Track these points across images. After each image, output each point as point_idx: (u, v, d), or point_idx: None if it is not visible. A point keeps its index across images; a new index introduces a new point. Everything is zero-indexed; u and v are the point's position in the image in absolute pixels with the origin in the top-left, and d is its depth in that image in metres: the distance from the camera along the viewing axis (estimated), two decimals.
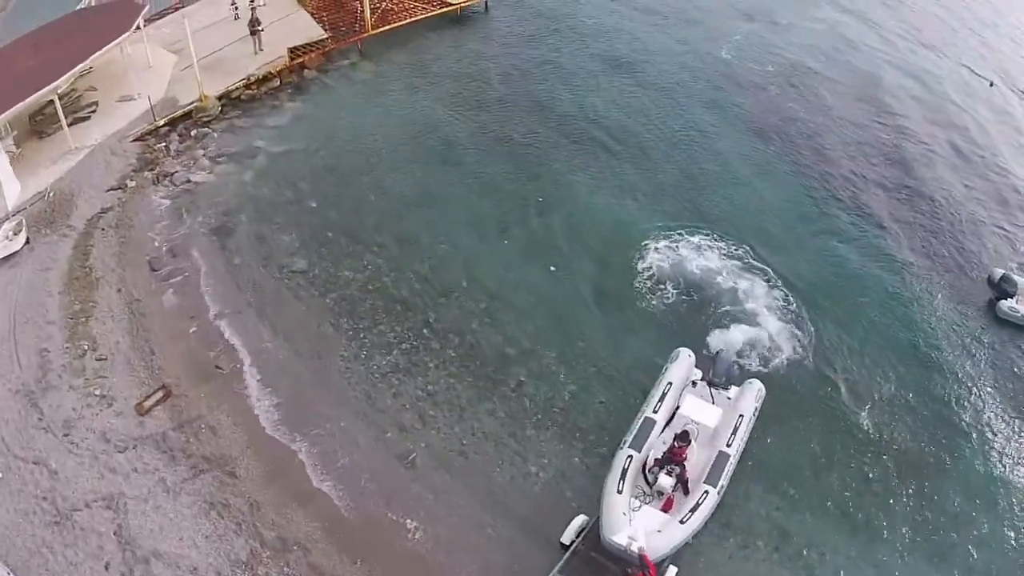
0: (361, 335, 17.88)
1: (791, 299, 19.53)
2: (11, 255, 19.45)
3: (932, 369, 18.39)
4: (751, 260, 20.59)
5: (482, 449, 15.78)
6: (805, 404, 17.28)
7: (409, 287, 19.13)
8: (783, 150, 25.33)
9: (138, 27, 24.77)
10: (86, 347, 17.37)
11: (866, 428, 16.88)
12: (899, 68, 31.50)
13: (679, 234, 21.24)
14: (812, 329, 18.81)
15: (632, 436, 15.23)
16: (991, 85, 31.90)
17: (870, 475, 16.05)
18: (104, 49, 23.03)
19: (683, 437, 14.86)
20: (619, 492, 14.20)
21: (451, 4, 30.48)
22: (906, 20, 36.21)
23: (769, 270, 20.30)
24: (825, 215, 22.80)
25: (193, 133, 24.14)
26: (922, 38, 34.63)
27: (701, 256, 20.57)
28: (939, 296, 20.40)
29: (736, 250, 20.87)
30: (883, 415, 17.19)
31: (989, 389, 18.09)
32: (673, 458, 14.73)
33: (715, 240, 21.16)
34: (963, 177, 25.34)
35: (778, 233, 21.81)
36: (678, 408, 16.11)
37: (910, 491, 15.83)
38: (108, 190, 21.84)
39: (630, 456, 14.80)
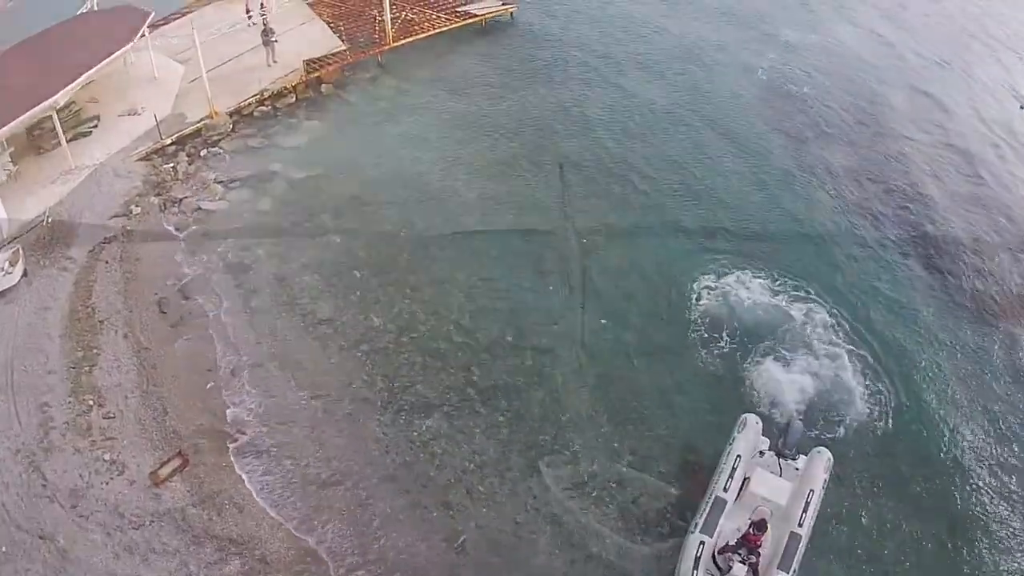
0: (398, 395, 16.28)
1: (854, 351, 18.15)
2: (7, 290, 17.79)
3: (999, 430, 17.12)
4: (807, 303, 19.21)
5: (538, 528, 14.32)
6: (871, 469, 16.02)
7: (448, 339, 17.50)
8: (825, 185, 23.86)
9: (143, 35, 23.05)
10: (91, 402, 15.82)
11: (930, 497, 15.69)
12: (927, 94, 30.16)
13: (729, 275, 19.83)
14: (876, 386, 17.50)
15: (703, 519, 13.97)
16: (1021, 108, 30.80)
17: (934, 550, 14.87)
18: (107, 60, 21.34)
19: (760, 526, 13.64)
20: None
21: (476, 15, 28.83)
22: (928, 39, 34.95)
23: (828, 317, 18.89)
24: (874, 256, 21.35)
25: (203, 153, 22.44)
26: (946, 57, 33.41)
27: (753, 300, 19.17)
28: (996, 346, 19.10)
29: (788, 292, 19.49)
30: (948, 484, 15.96)
31: None
32: (748, 545, 13.54)
33: (765, 281, 19.77)
34: (1008, 213, 24.15)
35: (832, 276, 20.36)
36: (747, 479, 14.86)
37: (974, 567, 14.64)
38: (111, 217, 20.18)
39: (702, 542, 13.57)
